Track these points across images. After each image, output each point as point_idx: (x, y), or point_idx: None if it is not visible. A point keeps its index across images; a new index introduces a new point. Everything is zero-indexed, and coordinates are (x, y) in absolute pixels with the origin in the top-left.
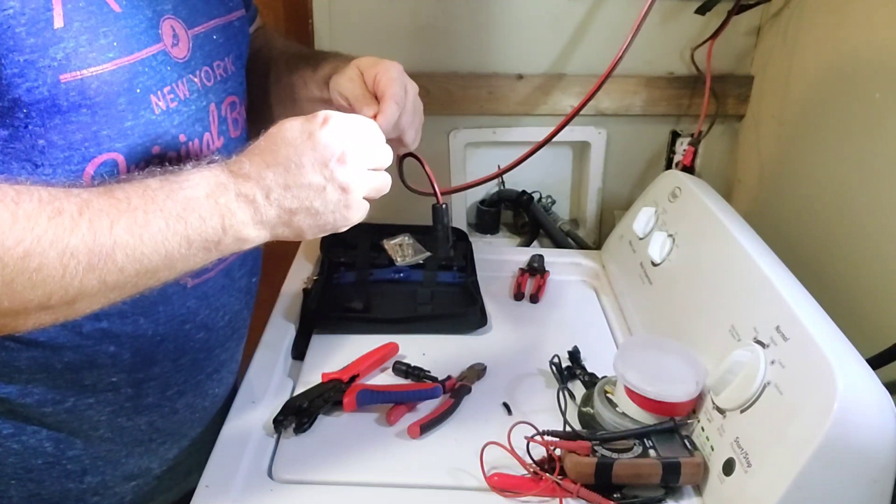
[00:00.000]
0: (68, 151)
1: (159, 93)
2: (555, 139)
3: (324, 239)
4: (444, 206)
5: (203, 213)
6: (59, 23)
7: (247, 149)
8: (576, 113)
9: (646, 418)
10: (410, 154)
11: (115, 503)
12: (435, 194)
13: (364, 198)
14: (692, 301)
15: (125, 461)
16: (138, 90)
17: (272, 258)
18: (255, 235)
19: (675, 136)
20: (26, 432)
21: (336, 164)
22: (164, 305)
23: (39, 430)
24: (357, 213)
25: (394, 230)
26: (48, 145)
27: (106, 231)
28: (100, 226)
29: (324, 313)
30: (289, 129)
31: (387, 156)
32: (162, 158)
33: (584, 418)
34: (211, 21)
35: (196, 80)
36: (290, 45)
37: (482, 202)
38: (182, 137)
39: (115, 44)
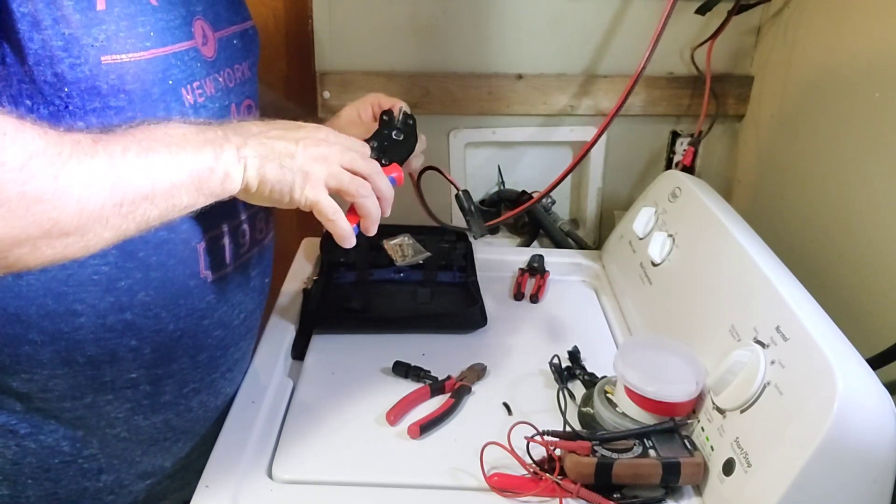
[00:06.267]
0: None
1: (189, 87)
2: (555, 139)
3: (324, 239)
4: (464, 192)
5: (198, 145)
6: (101, 5)
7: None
8: (612, 117)
9: (646, 418)
10: (431, 167)
11: (129, 502)
12: (454, 186)
13: (329, 189)
14: (692, 301)
15: (140, 460)
16: (170, 82)
17: (273, 258)
18: (238, 174)
19: (675, 136)
20: (44, 431)
21: (310, 140)
22: (185, 299)
23: (57, 428)
24: (312, 190)
25: (394, 230)
26: (86, 130)
27: (119, 155)
28: (114, 151)
29: (324, 313)
30: (281, 120)
31: (361, 163)
32: None
33: (584, 418)
34: (232, 26)
35: (221, 79)
36: (279, 98)
37: (482, 202)
38: None
39: (151, 34)
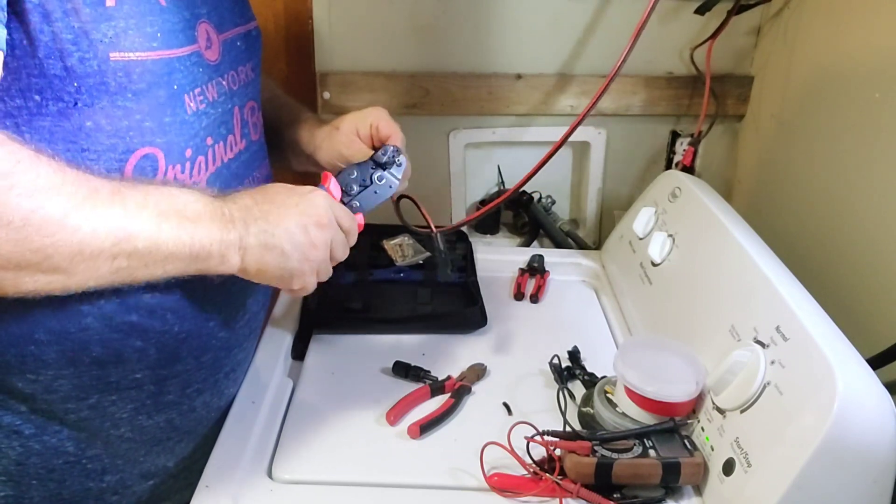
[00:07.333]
0: (114, 138)
1: (192, 93)
2: (554, 139)
3: None
4: (437, 234)
5: (209, 225)
6: (110, 2)
7: (239, 190)
8: (584, 116)
9: (646, 418)
10: (405, 196)
11: (133, 502)
12: (429, 227)
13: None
14: (692, 301)
15: (144, 460)
16: (175, 87)
17: None
18: (234, 261)
19: (675, 136)
20: (48, 432)
21: (313, 224)
22: (191, 300)
23: (61, 429)
24: (299, 284)
25: (394, 230)
26: (95, 128)
27: (134, 211)
28: (129, 206)
29: (324, 313)
30: (279, 186)
31: (341, 251)
32: (192, 162)
33: (584, 418)
34: (235, 28)
35: (224, 82)
36: (280, 95)
37: (482, 202)
38: (209, 140)
39: (158, 34)
